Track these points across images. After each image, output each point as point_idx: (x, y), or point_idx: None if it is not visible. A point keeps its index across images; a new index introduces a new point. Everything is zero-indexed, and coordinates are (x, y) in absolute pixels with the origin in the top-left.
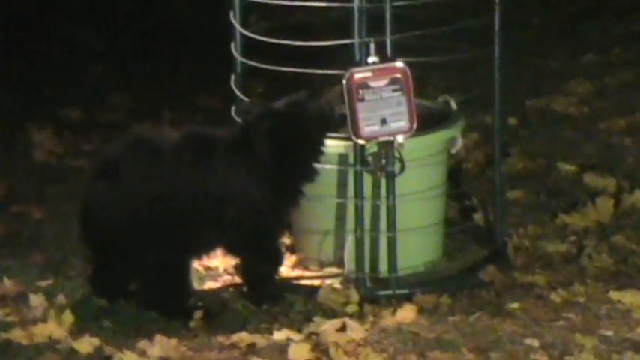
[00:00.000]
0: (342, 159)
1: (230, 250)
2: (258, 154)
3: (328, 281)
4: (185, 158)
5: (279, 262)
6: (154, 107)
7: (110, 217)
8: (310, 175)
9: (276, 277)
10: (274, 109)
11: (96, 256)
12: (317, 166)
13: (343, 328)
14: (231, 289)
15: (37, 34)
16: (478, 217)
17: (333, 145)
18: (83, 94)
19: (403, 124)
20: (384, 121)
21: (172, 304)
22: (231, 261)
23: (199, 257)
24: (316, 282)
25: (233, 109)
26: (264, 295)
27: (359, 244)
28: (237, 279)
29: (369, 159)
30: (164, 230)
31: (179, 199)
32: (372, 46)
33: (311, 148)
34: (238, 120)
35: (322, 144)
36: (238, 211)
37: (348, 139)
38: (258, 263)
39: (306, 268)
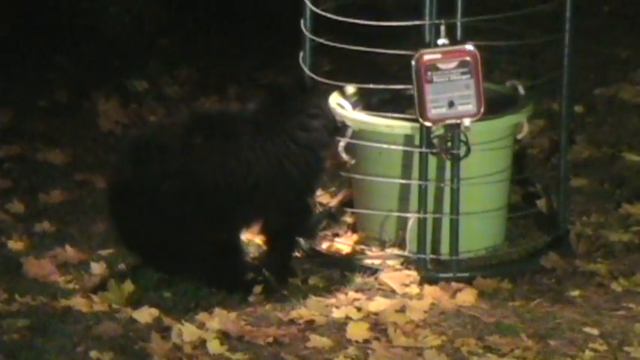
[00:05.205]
0: (408, 140)
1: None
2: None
3: (389, 261)
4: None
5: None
6: (220, 82)
7: (142, 205)
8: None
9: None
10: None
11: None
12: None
13: (402, 309)
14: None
15: (105, 5)
16: (541, 203)
17: (399, 126)
18: (150, 65)
19: (470, 107)
20: (451, 104)
21: (228, 279)
22: None
23: (246, 228)
24: (377, 262)
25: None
26: (286, 270)
27: (421, 225)
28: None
29: (435, 141)
30: (200, 211)
31: (210, 178)
32: (443, 28)
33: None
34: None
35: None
36: (274, 186)
37: (415, 120)
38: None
39: (368, 248)
